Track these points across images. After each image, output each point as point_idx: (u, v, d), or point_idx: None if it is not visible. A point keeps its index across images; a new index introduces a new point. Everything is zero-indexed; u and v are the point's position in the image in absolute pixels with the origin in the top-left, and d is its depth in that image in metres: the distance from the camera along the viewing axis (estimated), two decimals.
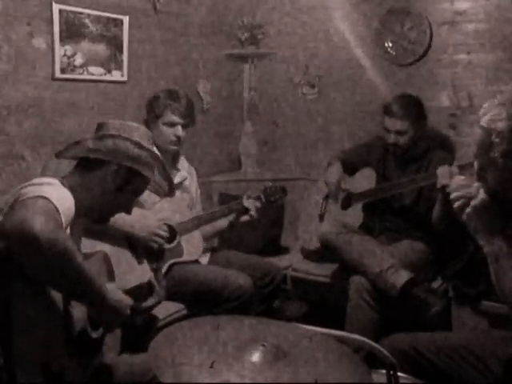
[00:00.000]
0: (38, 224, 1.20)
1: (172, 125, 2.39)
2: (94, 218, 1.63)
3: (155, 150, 1.64)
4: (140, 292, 1.54)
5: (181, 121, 2.39)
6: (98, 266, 1.62)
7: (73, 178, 1.54)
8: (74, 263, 1.26)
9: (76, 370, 1.36)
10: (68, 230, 1.43)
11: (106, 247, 2.13)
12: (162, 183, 1.72)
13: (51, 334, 1.32)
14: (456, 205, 1.46)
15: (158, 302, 1.59)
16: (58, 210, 1.31)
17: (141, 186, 1.65)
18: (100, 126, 1.61)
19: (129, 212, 1.69)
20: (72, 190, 1.46)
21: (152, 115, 2.42)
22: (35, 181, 1.42)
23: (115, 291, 1.43)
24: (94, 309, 1.40)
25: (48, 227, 1.21)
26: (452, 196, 1.48)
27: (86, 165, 1.56)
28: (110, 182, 1.55)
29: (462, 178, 1.54)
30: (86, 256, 1.62)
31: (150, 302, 1.55)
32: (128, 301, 1.45)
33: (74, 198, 1.45)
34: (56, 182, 1.45)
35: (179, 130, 2.39)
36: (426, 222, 2.61)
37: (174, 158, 2.53)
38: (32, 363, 1.27)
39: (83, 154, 1.55)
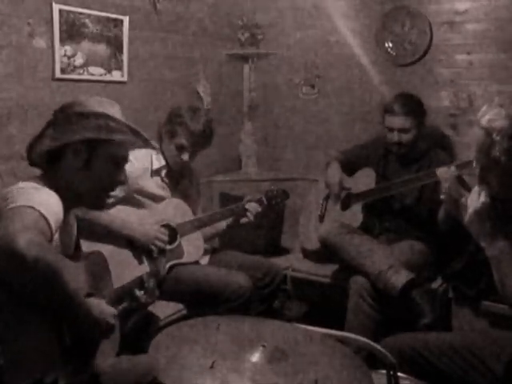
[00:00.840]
0: (24, 241, 1.18)
1: (181, 149, 2.37)
2: (87, 204, 1.60)
3: (104, 110, 1.55)
4: (132, 288, 1.53)
5: (191, 146, 2.36)
6: (95, 266, 1.61)
7: (48, 175, 1.52)
8: (58, 279, 1.25)
9: (71, 377, 1.35)
10: (57, 235, 1.42)
11: (106, 247, 2.13)
12: (130, 137, 1.58)
13: (43, 342, 1.31)
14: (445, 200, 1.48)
15: (147, 302, 1.55)
16: (45, 218, 1.30)
17: (113, 152, 1.55)
18: (54, 114, 1.57)
19: (120, 183, 1.61)
20: (53, 186, 1.45)
21: (167, 130, 2.39)
22: (20, 184, 1.40)
23: (97, 303, 1.40)
24: (79, 322, 1.37)
25: (34, 243, 1.20)
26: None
27: (51, 159, 1.53)
28: (74, 164, 1.51)
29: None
30: (83, 256, 1.61)
31: (122, 305, 1.50)
32: (110, 310, 1.43)
33: (58, 194, 1.43)
34: (39, 185, 1.43)
35: (186, 156, 2.36)
36: (427, 222, 2.61)
37: (183, 169, 2.53)
38: (24, 373, 1.25)
39: (43, 150, 1.51)
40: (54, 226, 1.33)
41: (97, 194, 1.58)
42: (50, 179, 1.49)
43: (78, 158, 1.51)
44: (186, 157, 2.37)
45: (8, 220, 1.24)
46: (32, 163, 1.57)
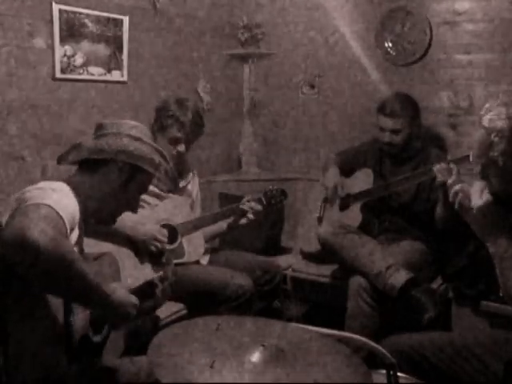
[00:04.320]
0: (37, 232, 1.19)
1: (176, 141, 2.39)
2: (101, 218, 1.62)
3: (156, 144, 1.64)
4: (143, 291, 1.53)
5: (184, 137, 2.38)
6: (106, 267, 1.61)
7: (76, 180, 1.53)
8: (74, 270, 1.25)
9: (76, 376, 1.35)
10: (76, 232, 1.43)
11: (109, 247, 2.13)
12: (165, 178, 1.69)
13: (50, 340, 1.31)
14: (455, 199, 1.47)
15: (159, 304, 1.57)
16: (61, 217, 1.30)
17: (145, 183, 1.64)
18: (99, 126, 1.61)
19: (135, 210, 1.67)
20: (77, 193, 1.46)
21: (158, 126, 2.41)
22: (40, 185, 1.41)
23: (120, 290, 1.41)
24: (99, 311, 1.39)
25: (48, 235, 1.20)
26: (450, 191, 1.49)
27: (89, 166, 1.55)
28: (113, 180, 1.55)
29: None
30: (93, 257, 1.61)
31: (147, 304, 1.51)
32: (133, 299, 1.43)
33: (80, 201, 1.45)
34: (60, 186, 1.44)
35: (182, 147, 2.39)
36: (425, 220, 2.61)
37: (179, 164, 2.53)
38: (30, 371, 1.26)
39: (85, 156, 1.54)
40: (68, 226, 1.34)
41: (116, 213, 1.63)
42: (76, 185, 1.50)
43: (120, 177, 1.55)
44: (181, 148, 2.39)
45: (23, 214, 1.25)
46: (62, 162, 1.58)
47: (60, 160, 1.59)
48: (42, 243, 1.18)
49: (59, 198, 1.36)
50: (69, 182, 1.49)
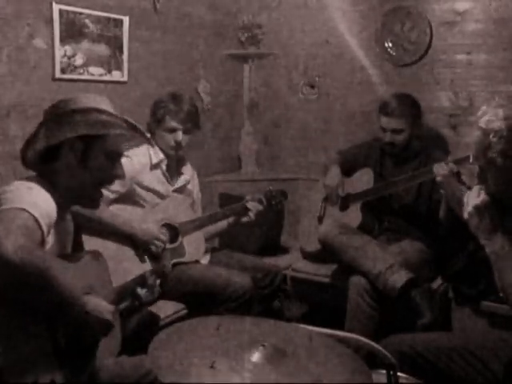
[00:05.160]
0: (10, 246, 1.18)
1: (172, 130, 2.39)
2: (82, 202, 1.59)
3: (96, 105, 1.54)
4: (134, 285, 1.51)
5: (181, 126, 2.39)
6: (93, 266, 1.60)
7: (44, 175, 1.52)
8: (48, 280, 1.24)
9: (68, 379, 1.33)
10: (50, 238, 1.41)
11: (109, 245, 2.14)
12: (126, 132, 1.57)
13: (37, 345, 1.30)
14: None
15: (151, 299, 1.54)
16: (36, 220, 1.29)
17: (108, 147, 1.54)
18: (44, 114, 1.57)
19: (116, 177, 1.59)
20: (49, 186, 1.45)
21: (154, 119, 2.43)
22: (14, 184, 1.40)
23: (93, 301, 1.38)
24: (76, 323, 1.35)
25: (20, 247, 1.19)
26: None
27: (47, 157, 1.53)
28: (70, 160, 1.51)
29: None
30: (80, 256, 1.60)
31: (124, 304, 1.47)
32: (108, 307, 1.40)
33: (53, 192, 1.43)
34: (33, 184, 1.43)
35: (179, 136, 2.39)
36: (426, 221, 2.61)
37: (179, 162, 2.54)
38: (17, 376, 1.24)
39: (38, 150, 1.51)
40: (45, 227, 1.33)
41: (92, 190, 1.56)
42: (45, 179, 1.48)
43: (74, 154, 1.50)
44: (179, 136, 2.39)
45: None
46: (27, 165, 1.56)
47: (26, 166, 1.56)
48: (16, 257, 1.17)
49: (34, 198, 1.35)
50: (38, 179, 1.48)
